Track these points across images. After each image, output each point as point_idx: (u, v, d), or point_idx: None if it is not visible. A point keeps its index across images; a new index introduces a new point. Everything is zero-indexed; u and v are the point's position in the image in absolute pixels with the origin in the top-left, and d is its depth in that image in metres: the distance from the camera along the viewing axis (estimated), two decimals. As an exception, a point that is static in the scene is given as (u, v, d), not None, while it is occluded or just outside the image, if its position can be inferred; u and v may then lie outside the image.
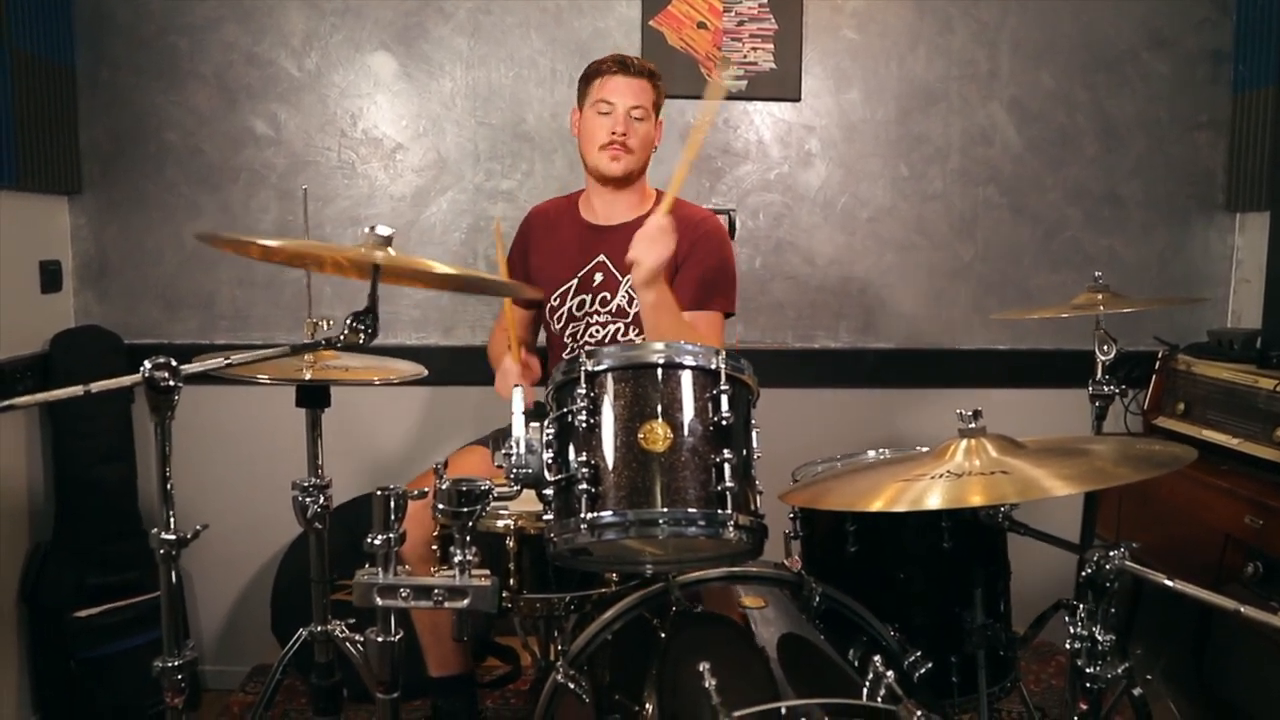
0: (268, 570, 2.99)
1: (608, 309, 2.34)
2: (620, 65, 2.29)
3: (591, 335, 2.35)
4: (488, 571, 1.40)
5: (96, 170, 2.90)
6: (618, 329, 2.33)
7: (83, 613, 2.63)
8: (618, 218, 2.37)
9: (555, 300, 2.38)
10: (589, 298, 2.35)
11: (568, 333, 2.37)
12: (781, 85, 3.00)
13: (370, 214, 2.96)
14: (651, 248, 2.01)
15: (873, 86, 3.05)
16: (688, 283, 2.29)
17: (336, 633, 2.04)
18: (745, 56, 2.97)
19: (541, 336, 2.54)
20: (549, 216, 2.48)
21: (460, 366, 2.86)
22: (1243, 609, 1.25)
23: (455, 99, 2.97)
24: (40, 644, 2.67)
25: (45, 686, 2.69)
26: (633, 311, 2.31)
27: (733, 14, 2.96)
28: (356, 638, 1.98)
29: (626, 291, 2.31)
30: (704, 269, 2.31)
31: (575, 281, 2.36)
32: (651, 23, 2.95)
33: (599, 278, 2.35)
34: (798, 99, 3.02)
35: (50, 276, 2.80)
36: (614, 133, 2.25)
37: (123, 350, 2.87)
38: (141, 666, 2.59)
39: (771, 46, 2.98)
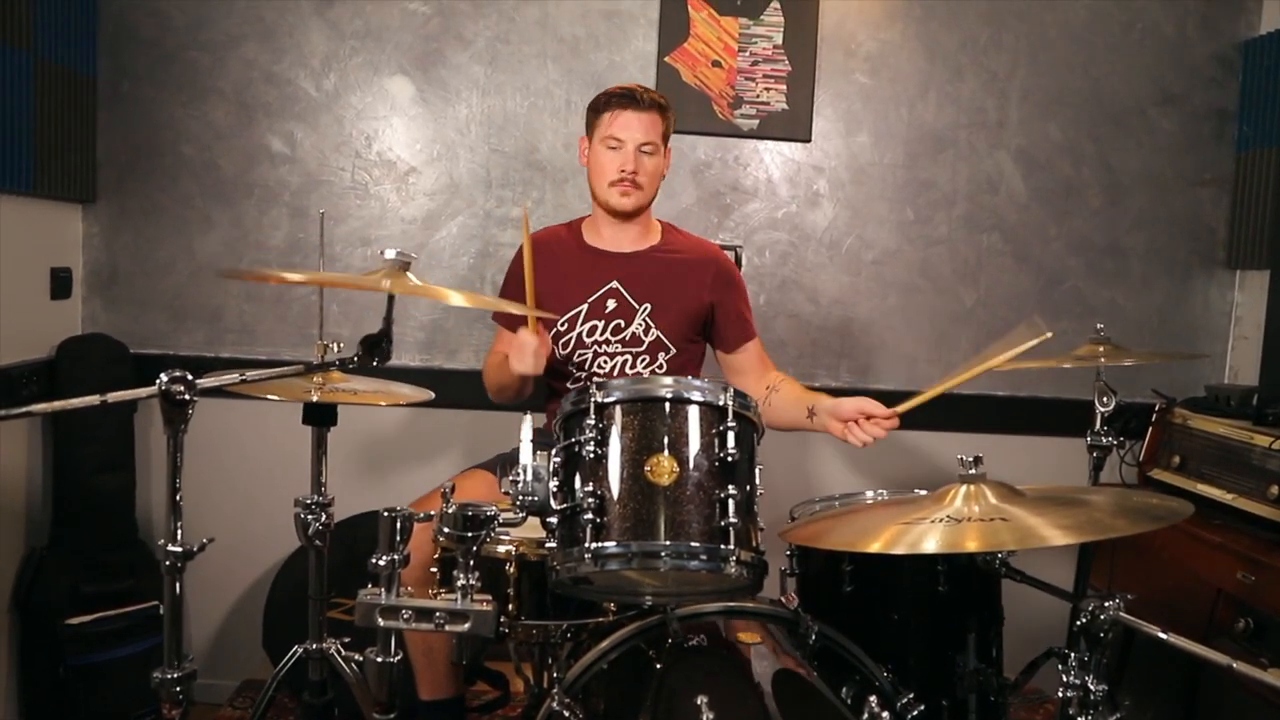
0: (261, 584, 2.98)
1: (620, 337, 2.34)
2: (629, 99, 2.27)
3: (600, 366, 2.35)
4: (489, 596, 1.42)
5: (112, 180, 2.92)
6: (626, 360, 2.34)
7: (75, 620, 2.61)
8: (626, 246, 2.40)
9: (563, 325, 2.36)
10: (601, 324, 2.34)
11: (574, 359, 2.37)
12: (792, 126, 3.04)
13: (381, 235, 2.99)
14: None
15: (882, 131, 3.09)
16: (731, 317, 2.41)
17: (332, 651, 2.04)
18: (758, 96, 3.02)
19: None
20: (549, 245, 2.43)
21: (462, 390, 2.87)
22: (1235, 664, 1.26)
23: (470, 125, 3.00)
24: (31, 650, 2.65)
25: (34, 693, 2.67)
26: (647, 340, 2.34)
27: (747, 54, 3.00)
28: (355, 657, 1.98)
29: (643, 320, 2.34)
30: (739, 301, 2.44)
31: (586, 306, 2.35)
32: (667, 59, 2.99)
33: (611, 304, 2.35)
34: (808, 140, 3.06)
35: (60, 283, 2.82)
36: (624, 170, 2.26)
37: (129, 359, 2.87)
38: (132, 676, 2.62)
39: (784, 87, 3.02)
